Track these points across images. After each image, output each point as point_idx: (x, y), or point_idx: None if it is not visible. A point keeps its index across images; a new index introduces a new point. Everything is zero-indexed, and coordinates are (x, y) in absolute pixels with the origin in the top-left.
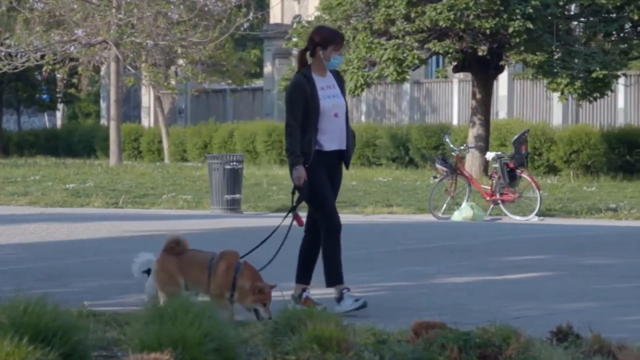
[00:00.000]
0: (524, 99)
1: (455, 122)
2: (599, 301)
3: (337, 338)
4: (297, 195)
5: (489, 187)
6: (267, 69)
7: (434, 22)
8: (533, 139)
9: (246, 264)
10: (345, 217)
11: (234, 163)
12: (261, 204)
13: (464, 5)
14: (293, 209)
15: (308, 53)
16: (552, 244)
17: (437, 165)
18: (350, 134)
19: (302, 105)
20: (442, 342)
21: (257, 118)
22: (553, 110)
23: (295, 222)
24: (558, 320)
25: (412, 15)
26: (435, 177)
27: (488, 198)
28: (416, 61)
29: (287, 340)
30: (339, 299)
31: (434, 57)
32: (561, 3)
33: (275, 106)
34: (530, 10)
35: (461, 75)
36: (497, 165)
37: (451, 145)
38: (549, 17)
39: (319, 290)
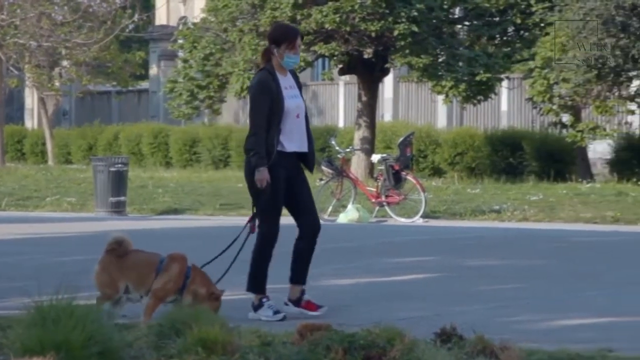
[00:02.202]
0: (409, 101)
1: (341, 124)
2: (483, 302)
3: (222, 341)
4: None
5: (375, 189)
6: (153, 70)
7: (319, 24)
8: (418, 141)
9: (195, 268)
10: (232, 220)
11: (119, 165)
12: (146, 206)
13: (349, 8)
14: (254, 216)
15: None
16: (436, 245)
17: (323, 168)
18: (311, 137)
19: (268, 103)
20: (327, 344)
21: (142, 120)
22: (438, 112)
23: (249, 228)
24: (443, 321)
25: (298, 17)
26: (321, 179)
27: (373, 200)
28: (302, 63)
29: (171, 343)
30: (257, 306)
31: (320, 60)
32: (446, 6)
33: (161, 108)
34: (415, 14)
35: (347, 77)
36: (382, 167)
37: (337, 148)
38: (434, 21)
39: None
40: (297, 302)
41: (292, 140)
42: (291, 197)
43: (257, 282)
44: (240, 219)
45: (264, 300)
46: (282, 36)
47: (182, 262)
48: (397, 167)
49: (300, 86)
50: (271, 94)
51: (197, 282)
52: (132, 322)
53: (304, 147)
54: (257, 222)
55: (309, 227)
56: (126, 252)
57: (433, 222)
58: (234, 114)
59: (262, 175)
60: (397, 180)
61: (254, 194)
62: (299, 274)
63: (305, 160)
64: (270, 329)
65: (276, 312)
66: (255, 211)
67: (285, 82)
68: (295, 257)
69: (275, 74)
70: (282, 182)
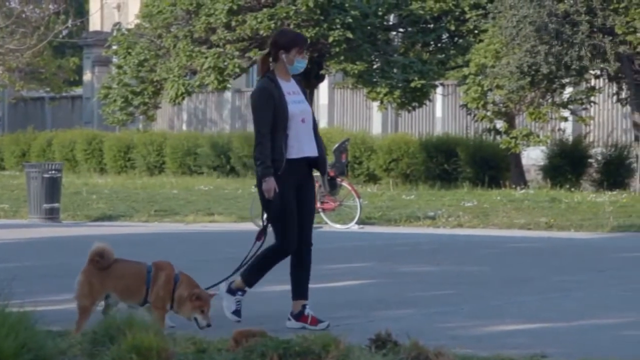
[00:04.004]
0: (344, 107)
1: None
2: (418, 308)
3: (156, 347)
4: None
5: None
6: (87, 76)
7: (254, 30)
8: (353, 148)
9: (183, 273)
10: (167, 226)
11: (53, 172)
12: (80, 212)
13: (284, 14)
14: (265, 228)
15: (271, 58)
16: (372, 251)
17: None
18: (320, 141)
19: (271, 111)
20: (262, 351)
21: (76, 126)
22: (373, 119)
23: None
24: (378, 327)
25: (233, 23)
26: (256, 186)
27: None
28: (237, 70)
29: (105, 351)
30: (231, 291)
31: (255, 66)
32: (380, 13)
33: (95, 114)
34: (350, 20)
35: None
36: (317, 173)
37: None
38: (369, 27)
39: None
40: (298, 316)
41: (301, 146)
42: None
43: (251, 275)
44: (175, 226)
45: (240, 293)
46: (292, 42)
47: (168, 269)
48: (332, 174)
49: (305, 91)
50: (273, 100)
51: (183, 286)
52: (65, 330)
53: (313, 152)
54: (266, 231)
55: (301, 241)
56: (109, 264)
57: (368, 229)
58: (169, 120)
59: (269, 186)
60: (333, 186)
61: (265, 205)
62: (299, 290)
63: (317, 164)
64: (206, 335)
65: (235, 312)
66: (266, 223)
67: (289, 87)
68: (297, 272)
69: (277, 80)
70: (293, 188)
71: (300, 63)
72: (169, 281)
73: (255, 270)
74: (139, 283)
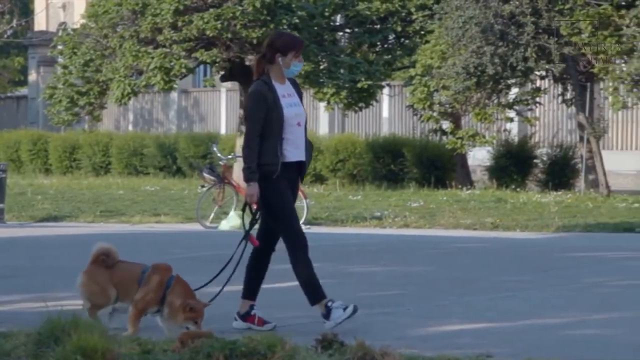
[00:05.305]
0: None
1: (223, 131)
2: (365, 308)
3: (102, 349)
4: (249, 215)
5: None
6: (32, 77)
7: (201, 31)
8: None
9: (179, 279)
10: (112, 227)
11: None
12: (25, 213)
13: (230, 15)
14: (247, 232)
15: (266, 60)
16: (318, 252)
17: (205, 174)
18: (308, 145)
19: (263, 114)
20: (208, 351)
21: (21, 127)
22: (320, 119)
23: (250, 243)
24: (324, 327)
25: (179, 24)
26: (203, 186)
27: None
28: (183, 70)
29: (50, 352)
30: (327, 314)
31: (201, 66)
32: (327, 14)
33: (40, 114)
34: (297, 21)
35: (229, 84)
36: None
37: (219, 154)
38: (315, 28)
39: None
40: (244, 317)
41: (294, 150)
42: None
43: (313, 290)
44: (121, 226)
45: (329, 304)
46: (289, 45)
47: (163, 273)
48: None
49: (300, 94)
50: (266, 103)
51: (175, 293)
52: (10, 331)
53: (302, 157)
54: (251, 236)
55: (267, 245)
56: (114, 263)
57: (315, 229)
58: (115, 120)
59: (252, 191)
60: None
61: (265, 207)
62: (253, 290)
63: (301, 168)
64: (151, 336)
65: (345, 308)
66: (248, 228)
67: (284, 90)
68: (253, 273)
69: (271, 83)
70: (287, 187)
71: (297, 66)
72: (159, 285)
73: (307, 283)
74: (133, 282)
